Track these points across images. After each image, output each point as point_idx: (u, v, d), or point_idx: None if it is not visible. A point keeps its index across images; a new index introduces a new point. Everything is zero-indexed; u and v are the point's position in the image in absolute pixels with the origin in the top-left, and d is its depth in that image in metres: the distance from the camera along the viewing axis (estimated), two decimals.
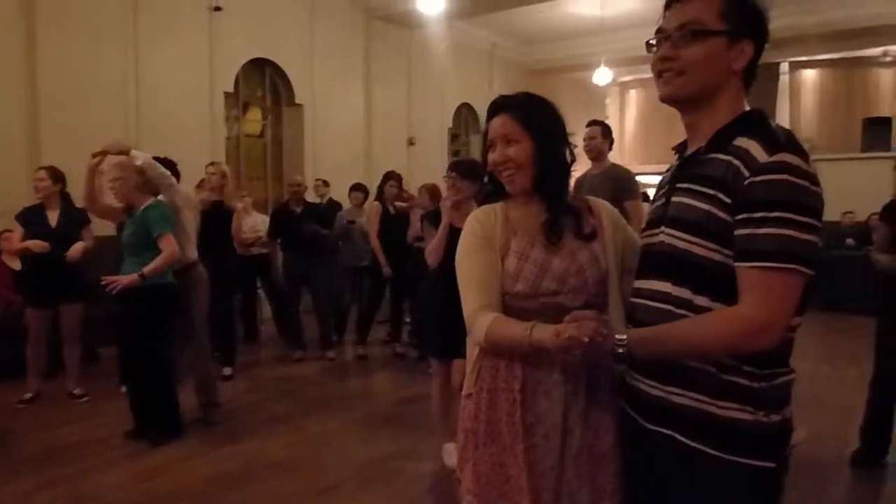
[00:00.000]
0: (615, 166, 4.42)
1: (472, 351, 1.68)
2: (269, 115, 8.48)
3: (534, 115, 1.63)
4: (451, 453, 3.62)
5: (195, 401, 4.35)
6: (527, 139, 1.60)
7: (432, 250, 3.63)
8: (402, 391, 5.35)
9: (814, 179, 1.20)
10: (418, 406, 4.84)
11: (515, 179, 1.62)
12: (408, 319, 6.62)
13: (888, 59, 11.27)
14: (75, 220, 4.68)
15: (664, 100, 1.38)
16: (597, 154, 4.35)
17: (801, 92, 11.85)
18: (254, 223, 6.30)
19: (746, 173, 1.22)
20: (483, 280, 1.59)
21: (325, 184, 7.30)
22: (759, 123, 1.30)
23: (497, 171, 1.64)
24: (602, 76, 10.15)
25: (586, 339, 1.27)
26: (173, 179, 4.22)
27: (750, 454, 1.27)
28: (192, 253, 4.31)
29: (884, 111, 11.27)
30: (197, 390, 4.35)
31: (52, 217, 4.67)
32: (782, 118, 10.82)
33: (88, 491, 3.35)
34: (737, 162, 1.24)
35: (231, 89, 7.62)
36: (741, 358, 1.26)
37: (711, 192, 1.27)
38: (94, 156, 3.97)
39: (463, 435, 1.67)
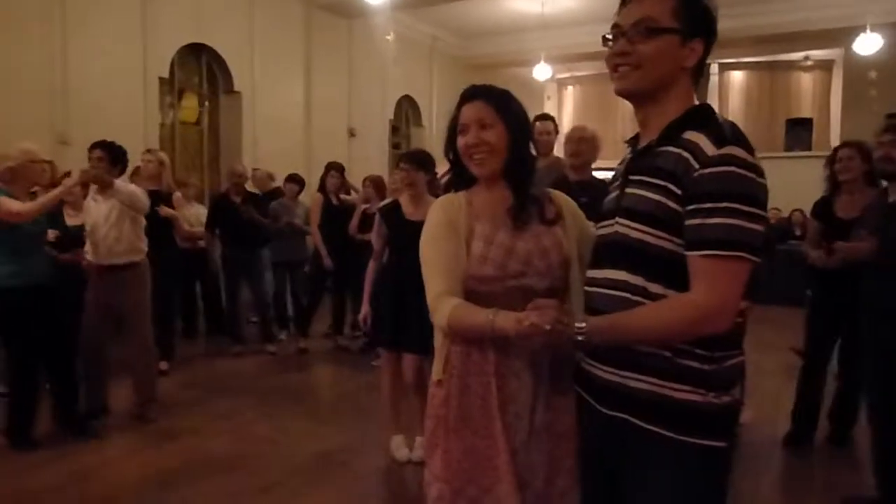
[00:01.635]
0: (559, 159, 4.46)
1: (438, 338, 1.69)
2: (205, 103, 8.21)
3: (506, 104, 1.68)
4: (399, 446, 3.62)
5: (133, 397, 4.20)
6: (500, 125, 1.64)
7: (373, 259, 3.70)
8: (345, 384, 5.29)
9: (759, 171, 1.27)
10: (363, 399, 4.81)
11: (487, 162, 1.65)
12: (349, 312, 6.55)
13: (809, 62, 11.84)
14: None
15: (619, 93, 1.43)
16: (549, 149, 4.39)
17: (729, 92, 12.33)
18: (196, 214, 6.08)
19: (696, 165, 1.27)
20: (446, 266, 1.61)
21: (272, 177, 7.06)
22: (707, 118, 1.35)
23: (469, 154, 1.66)
24: (542, 72, 10.28)
25: (547, 327, 1.31)
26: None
27: (702, 434, 1.32)
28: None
29: (805, 112, 11.85)
30: (135, 386, 4.19)
31: None
32: None
33: (15, 493, 3.17)
34: (686, 154, 1.29)
35: (166, 74, 7.32)
36: (694, 342, 1.31)
37: (663, 183, 1.32)
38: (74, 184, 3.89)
39: (433, 421, 1.68)
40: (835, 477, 3.57)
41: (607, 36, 1.42)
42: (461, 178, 1.74)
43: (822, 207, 3.74)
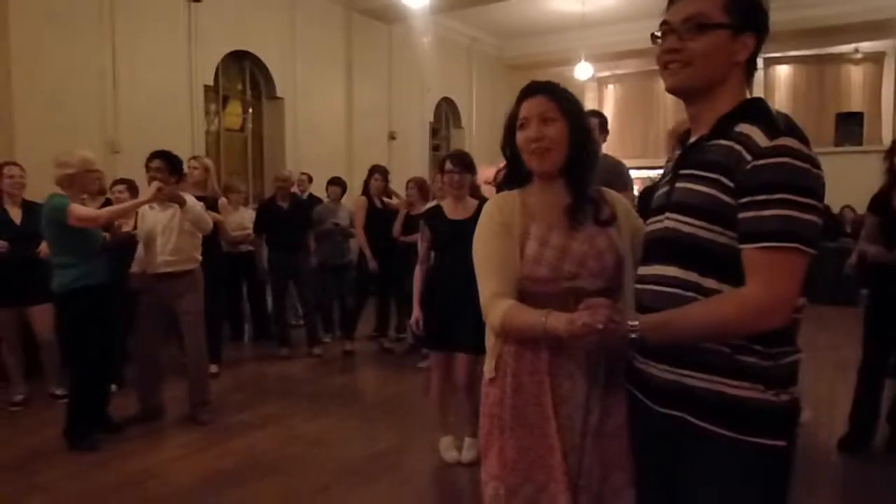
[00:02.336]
0: (607, 157, 4.36)
1: (490, 337, 1.70)
2: (249, 109, 8.36)
3: (568, 101, 1.68)
4: (448, 447, 3.63)
5: (187, 400, 4.30)
6: (562, 121, 1.65)
7: (420, 263, 3.68)
8: (391, 386, 5.33)
9: (814, 162, 1.24)
10: (409, 401, 4.83)
11: (549, 157, 1.65)
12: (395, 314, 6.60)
13: (859, 55, 11.48)
14: (38, 219, 4.51)
15: (670, 90, 1.42)
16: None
17: (776, 87, 12.02)
18: (241, 220, 6.20)
19: (748, 157, 1.25)
20: (500, 267, 1.62)
21: (310, 179, 7.22)
22: (759, 110, 1.34)
23: (530, 148, 1.65)
24: (583, 71, 10.20)
25: (600, 326, 1.31)
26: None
27: (762, 433, 1.30)
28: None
29: (855, 106, 11.49)
30: (189, 389, 4.29)
31: (16, 215, 4.53)
32: None
33: (76, 494, 3.27)
34: (738, 147, 1.28)
35: (211, 83, 7.49)
36: (751, 338, 1.29)
37: (714, 176, 1.30)
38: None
39: (487, 420, 1.70)
40: (894, 481, 3.46)
41: (656, 33, 1.42)
42: (516, 176, 1.74)
43: (880, 201, 3.63)
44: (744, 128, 1.29)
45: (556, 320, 1.42)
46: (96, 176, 4.22)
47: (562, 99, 1.67)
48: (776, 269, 1.23)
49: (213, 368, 5.24)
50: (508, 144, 1.72)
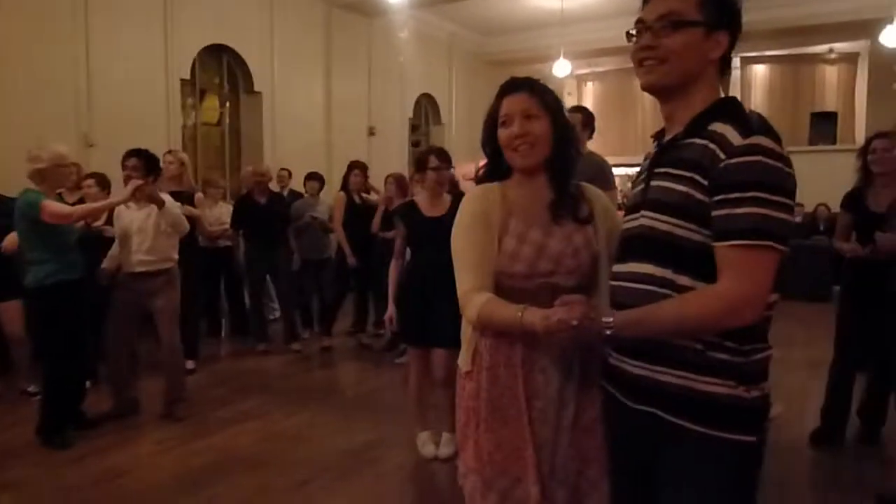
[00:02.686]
0: (591, 154, 4.32)
1: (466, 330, 1.71)
2: (226, 103, 8.28)
3: (550, 98, 1.70)
4: (426, 443, 3.64)
5: (163, 396, 4.25)
6: (545, 117, 1.66)
7: (395, 258, 3.68)
8: (370, 381, 5.32)
9: (787, 161, 1.26)
10: (388, 396, 4.83)
11: (531, 154, 1.66)
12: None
13: (833, 55, 11.66)
14: (5, 212, 4.34)
15: (645, 88, 1.43)
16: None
17: (752, 86, 12.17)
18: (219, 214, 6.13)
19: (722, 156, 1.27)
20: (478, 260, 1.63)
21: (290, 175, 7.16)
22: (733, 109, 1.36)
23: (513, 145, 1.66)
24: (561, 68, 10.22)
25: (574, 323, 1.33)
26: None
27: (732, 428, 1.32)
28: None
29: (829, 106, 11.67)
30: (165, 385, 4.25)
31: None
32: None
33: (50, 491, 3.23)
34: (712, 145, 1.29)
35: (188, 76, 7.40)
36: (723, 335, 1.31)
37: (689, 174, 1.32)
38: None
39: (464, 413, 1.71)
40: (865, 475, 3.53)
41: (631, 31, 1.43)
42: (497, 172, 1.74)
43: (853, 199, 3.68)
44: (717, 126, 1.31)
45: (532, 315, 1.44)
46: (70, 171, 4.14)
47: (543, 95, 1.68)
48: (748, 266, 1.24)
49: (190, 364, 5.19)
50: (489, 141, 1.73)
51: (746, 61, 11.99)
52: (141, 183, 3.88)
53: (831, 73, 11.90)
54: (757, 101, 11.83)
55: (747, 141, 1.25)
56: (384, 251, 5.35)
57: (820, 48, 11.47)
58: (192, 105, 7.78)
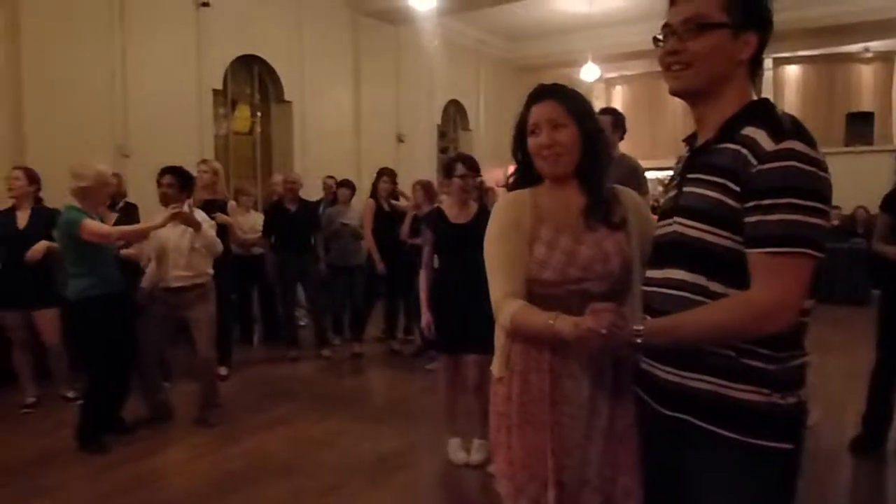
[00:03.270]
0: (624, 157, 4.20)
1: (500, 336, 1.71)
2: (257, 113, 8.40)
3: (578, 104, 1.69)
4: (456, 449, 3.63)
5: (197, 403, 4.32)
6: (572, 125, 1.65)
7: (424, 267, 3.67)
8: (400, 388, 5.33)
9: (821, 165, 1.23)
10: (417, 402, 4.84)
11: (560, 163, 1.66)
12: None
13: (869, 54, 11.41)
14: (44, 222, 4.48)
15: (673, 93, 1.42)
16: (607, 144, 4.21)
17: (785, 87, 11.97)
18: (252, 223, 6.21)
19: (754, 161, 1.25)
20: (510, 266, 1.63)
21: (338, 184, 7.00)
22: (765, 112, 1.32)
23: (542, 154, 1.66)
24: (590, 72, 10.18)
25: (604, 331, 1.32)
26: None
27: (767, 436, 1.30)
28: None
29: (865, 106, 11.41)
30: (200, 393, 4.32)
31: (22, 218, 4.54)
32: None
33: (85, 496, 3.29)
34: (744, 150, 1.27)
35: (219, 86, 7.52)
36: (757, 341, 1.28)
37: (721, 180, 1.30)
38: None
39: (496, 419, 1.72)
40: None
41: (658, 36, 1.42)
42: (528, 179, 1.74)
43: (893, 200, 3.60)
44: (749, 131, 1.29)
45: (563, 323, 1.44)
46: (110, 190, 4.30)
47: (571, 102, 1.67)
48: (782, 273, 1.22)
49: (223, 371, 5.27)
50: (519, 149, 1.73)
51: (779, 62, 11.79)
52: (179, 211, 3.99)
53: (867, 73, 11.64)
54: (790, 102, 11.63)
55: (780, 146, 1.23)
56: (413, 258, 5.37)
57: (855, 47, 11.23)
58: (223, 115, 7.91)
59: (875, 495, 3.36)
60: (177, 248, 4.18)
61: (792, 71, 12.03)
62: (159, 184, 4.27)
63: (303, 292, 6.42)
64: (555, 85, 1.72)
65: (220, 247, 4.41)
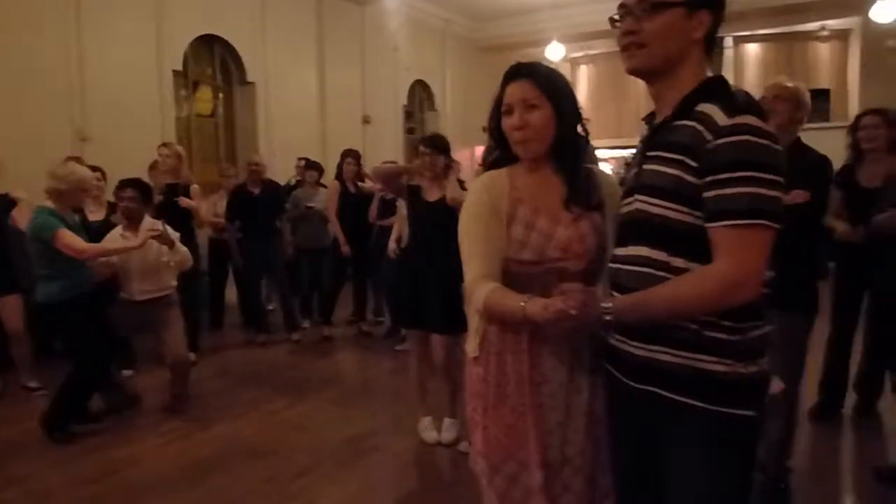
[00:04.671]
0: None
1: (474, 317, 1.72)
2: (220, 94, 8.24)
3: (553, 84, 1.66)
4: (428, 428, 3.66)
5: (168, 390, 4.29)
6: (547, 106, 1.63)
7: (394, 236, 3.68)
8: (371, 369, 5.35)
9: (774, 138, 1.27)
10: (389, 383, 4.87)
11: (532, 145, 1.65)
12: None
13: (825, 33, 11.60)
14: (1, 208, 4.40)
15: (630, 72, 1.43)
16: None
17: (745, 65, 12.13)
18: (222, 205, 6.13)
19: (710, 137, 1.28)
20: (485, 249, 1.63)
21: (308, 165, 6.90)
22: (719, 89, 1.36)
23: (513, 135, 1.65)
24: (555, 52, 10.18)
25: (573, 312, 1.34)
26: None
27: (732, 404, 1.34)
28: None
29: (822, 83, 11.62)
30: (171, 384, 4.29)
31: None
32: None
33: (56, 485, 3.26)
34: (700, 127, 1.30)
35: (180, 67, 7.35)
36: (720, 313, 1.32)
37: (679, 157, 1.33)
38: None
39: (471, 399, 1.73)
40: (863, 447, 3.58)
41: (615, 17, 1.43)
42: (505, 157, 1.74)
43: (845, 176, 3.69)
44: (705, 107, 1.31)
45: (534, 306, 1.45)
46: (89, 195, 4.23)
47: (545, 81, 1.65)
48: (743, 245, 1.25)
49: (191, 357, 5.21)
50: (496, 128, 1.71)
51: (739, 40, 11.93)
52: (157, 233, 3.97)
53: (824, 51, 11.86)
54: (750, 80, 11.80)
55: (733, 120, 1.26)
56: (382, 239, 5.37)
57: (812, 25, 11.40)
58: (185, 97, 7.74)
59: (832, 458, 3.49)
60: (142, 261, 4.12)
61: (752, 49, 12.19)
62: (120, 198, 4.21)
63: (270, 276, 6.37)
64: (531, 64, 1.69)
65: (191, 261, 4.39)
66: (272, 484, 3.23)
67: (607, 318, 1.37)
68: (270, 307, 6.75)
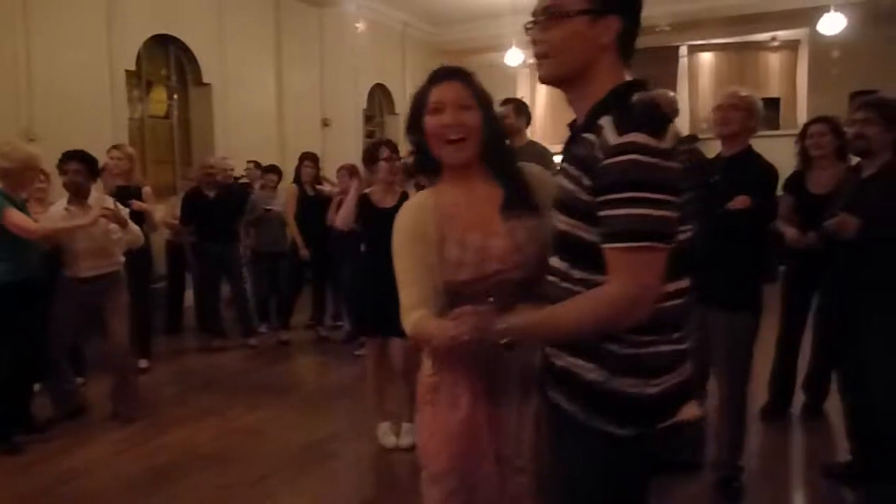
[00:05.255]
0: (533, 143, 4.30)
1: None
2: (174, 96, 8.08)
3: (481, 88, 1.65)
4: (386, 433, 3.65)
5: (112, 397, 4.18)
6: (476, 108, 1.61)
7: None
8: (329, 374, 5.30)
9: (665, 154, 1.20)
10: (347, 388, 4.82)
11: (465, 147, 1.60)
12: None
13: (776, 43, 11.97)
14: None
15: (542, 81, 1.41)
16: (513, 132, 4.29)
17: (699, 74, 12.43)
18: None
19: (601, 156, 1.23)
20: (415, 276, 1.59)
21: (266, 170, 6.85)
22: (618, 100, 1.29)
23: (445, 136, 1.59)
24: (514, 57, 10.27)
25: (465, 337, 1.32)
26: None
27: (604, 419, 1.29)
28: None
29: (773, 92, 11.99)
30: (114, 386, 4.18)
31: None
32: (682, 98, 11.29)
33: (4, 499, 3.14)
34: (596, 142, 1.26)
35: (132, 67, 7.18)
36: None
37: (577, 173, 1.29)
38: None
39: (422, 402, 1.71)
40: (811, 445, 3.69)
41: (528, 25, 1.39)
42: (425, 165, 1.69)
43: (795, 182, 3.81)
44: (604, 120, 1.26)
45: (436, 329, 1.45)
46: (36, 175, 4.05)
47: (476, 86, 1.63)
48: (632, 267, 1.21)
49: (144, 363, 5.11)
50: (415, 130, 1.65)
51: (693, 49, 12.23)
52: (109, 212, 3.87)
53: (774, 60, 12.22)
54: (704, 88, 12.10)
55: (622, 139, 1.20)
56: (340, 243, 5.32)
57: (763, 36, 11.76)
58: (138, 97, 7.57)
59: (781, 457, 3.59)
60: (89, 238, 4.00)
61: (706, 58, 12.49)
62: (64, 171, 4.07)
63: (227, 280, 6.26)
64: (460, 68, 1.67)
65: (142, 240, 4.29)
66: (229, 492, 3.18)
67: (505, 340, 1.32)
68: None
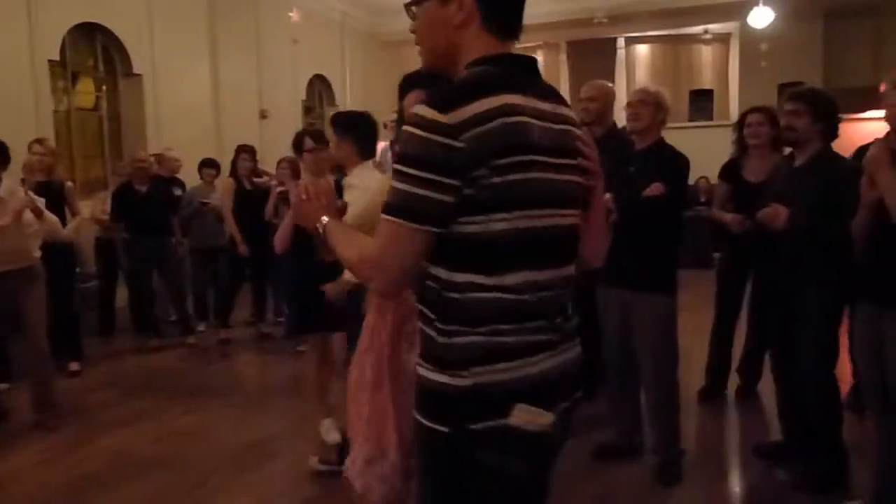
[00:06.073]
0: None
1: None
2: (103, 87, 7.75)
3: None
4: (329, 429, 3.58)
5: (30, 404, 3.99)
6: None
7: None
8: (271, 372, 5.19)
9: (440, 129, 1.12)
10: (289, 385, 4.74)
11: None
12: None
13: (708, 36, 12.30)
14: None
15: (424, 71, 1.45)
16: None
17: (636, 65, 12.67)
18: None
19: None
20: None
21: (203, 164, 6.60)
22: (452, 77, 1.29)
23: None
24: None
25: (303, 196, 1.43)
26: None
27: (424, 412, 1.26)
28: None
29: (706, 84, 12.34)
30: (32, 392, 3.98)
31: None
32: (619, 89, 11.49)
33: None
34: None
35: (56, 57, 6.85)
36: (433, 310, 1.25)
37: None
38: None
39: (353, 386, 1.77)
40: (745, 426, 3.81)
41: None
42: None
43: (730, 170, 3.90)
44: None
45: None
46: None
47: None
48: (382, 235, 1.19)
49: (74, 366, 4.91)
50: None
51: (630, 41, 12.45)
52: (25, 204, 3.72)
53: (707, 53, 12.55)
54: (640, 79, 12.32)
55: (411, 111, 1.21)
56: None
57: (696, 29, 12.06)
58: (63, 89, 7.23)
59: (719, 435, 3.72)
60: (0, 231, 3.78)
61: (642, 50, 12.74)
62: None
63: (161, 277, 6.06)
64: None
65: (62, 231, 4.10)
66: (165, 498, 3.07)
67: (319, 227, 1.40)
68: (173, 318, 6.40)
